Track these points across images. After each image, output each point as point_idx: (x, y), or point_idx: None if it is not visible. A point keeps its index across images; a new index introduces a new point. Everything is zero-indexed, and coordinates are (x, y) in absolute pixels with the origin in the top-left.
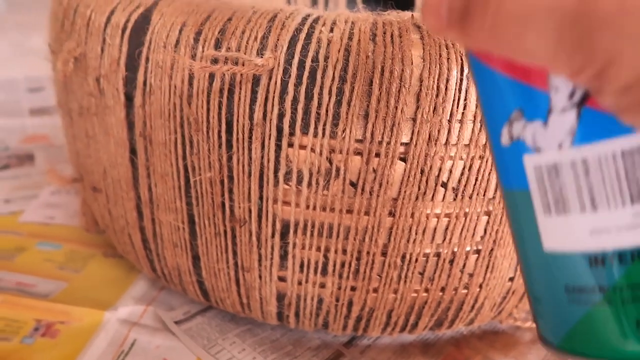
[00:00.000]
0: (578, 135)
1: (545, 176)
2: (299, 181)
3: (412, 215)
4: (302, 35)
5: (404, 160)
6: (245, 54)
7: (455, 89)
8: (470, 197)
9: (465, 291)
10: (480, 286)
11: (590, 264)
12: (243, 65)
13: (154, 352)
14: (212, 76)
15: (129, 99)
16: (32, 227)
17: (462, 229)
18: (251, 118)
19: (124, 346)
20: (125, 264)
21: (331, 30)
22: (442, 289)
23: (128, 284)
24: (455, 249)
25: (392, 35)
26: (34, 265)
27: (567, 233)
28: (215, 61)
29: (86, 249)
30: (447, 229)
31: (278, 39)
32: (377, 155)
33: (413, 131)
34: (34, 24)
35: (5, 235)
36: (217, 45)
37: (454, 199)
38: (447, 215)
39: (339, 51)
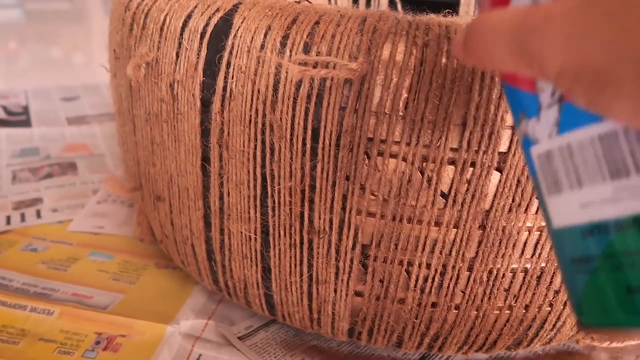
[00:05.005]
0: (561, 125)
1: (544, 162)
2: (387, 192)
3: (504, 228)
4: (397, 39)
5: (499, 170)
6: (336, 57)
7: None
8: None
9: (549, 309)
10: (565, 304)
11: (583, 236)
12: (336, 68)
13: None
14: (299, 81)
15: (205, 105)
16: (82, 237)
17: None
18: (340, 125)
19: None
20: (179, 276)
21: (426, 34)
22: (526, 307)
23: (184, 296)
24: (544, 264)
25: None
26: (88, 276)
27: (564, 210)
28: (304, 65)
29: (139, 259)
30: (537, 243)
31: (371, 43)
32: (473, 164)
33: (512, 140)
34: (53, 34)
35: (56, 245)
36: (306, 49)
37: None
38: (539, 229)
39: (436, 55)
